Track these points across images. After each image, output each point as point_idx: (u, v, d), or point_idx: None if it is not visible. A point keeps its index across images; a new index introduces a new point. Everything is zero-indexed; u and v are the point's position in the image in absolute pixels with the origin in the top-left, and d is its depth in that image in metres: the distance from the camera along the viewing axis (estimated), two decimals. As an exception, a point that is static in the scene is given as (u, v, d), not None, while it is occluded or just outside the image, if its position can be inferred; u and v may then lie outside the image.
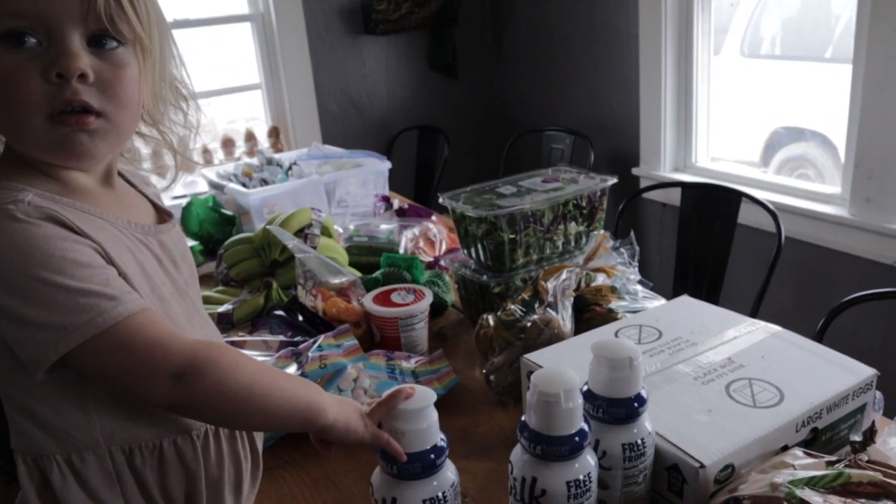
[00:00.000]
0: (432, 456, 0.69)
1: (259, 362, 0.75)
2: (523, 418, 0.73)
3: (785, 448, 0.85)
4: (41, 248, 0.64)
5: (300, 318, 1.38)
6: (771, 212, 2.01)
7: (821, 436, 0.89)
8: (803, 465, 0.78)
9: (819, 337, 1.44)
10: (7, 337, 0.66)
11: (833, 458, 0.80)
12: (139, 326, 0.67)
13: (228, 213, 1.98)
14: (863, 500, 0.73)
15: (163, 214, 0.86)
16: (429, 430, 0.69)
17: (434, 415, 0.70)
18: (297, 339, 1.28)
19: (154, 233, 0.81)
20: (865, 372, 0.93)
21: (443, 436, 0.71)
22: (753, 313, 1.91)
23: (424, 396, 0.69)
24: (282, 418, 0.74)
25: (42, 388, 0.71)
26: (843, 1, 2.55)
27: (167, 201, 2.57)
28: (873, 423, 0.91)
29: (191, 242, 2.00)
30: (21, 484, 0.74)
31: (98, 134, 0.71)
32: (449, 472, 0.72)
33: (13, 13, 0.65)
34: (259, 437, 0.88)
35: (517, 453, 0.75)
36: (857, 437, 0.89)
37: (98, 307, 0.65)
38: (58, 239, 0.66)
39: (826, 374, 0.93)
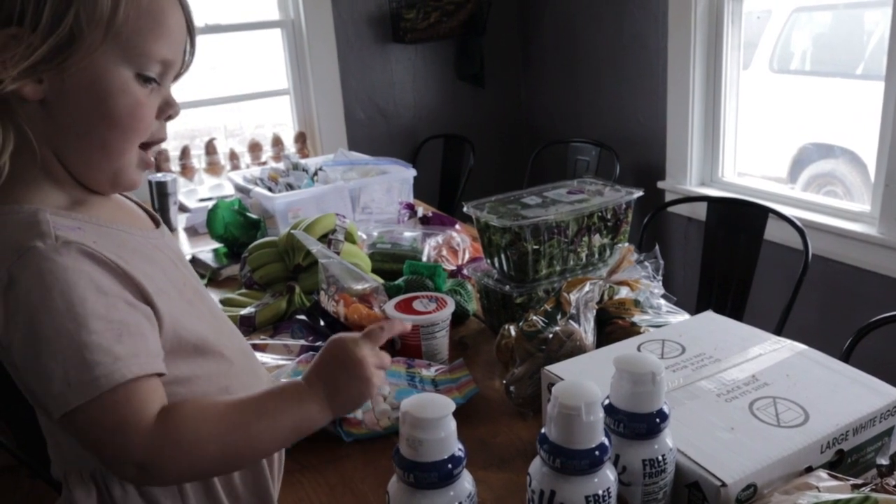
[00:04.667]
0: (449, 465, 0.68)
1: (224, 412, 0.72)
2: (543, 430, 0.73)
3: (809, 469, 0.83)
4: (65, 295, 0.65)
5: (322, 322, 1.38)
6: (798, 228, 1.99)
7: (846, 458, 0.88)
8: (828, 487, 0.77)
9: (846, 357, 1.42)
10: (27, 382, 0.69)
11: (859, 481, 0.79)
12: (119, 402, 0.66)
13: (253, 216, 2.00)
14: (888, 525, 0.71)
15: (154, 219, 0.87)
16: (446, 439, 0.68)
17: (452, 424, 0.69)
18: (318, 343, 1.28)
19: (159, 236, 0.82)
20: (894, 394, 0.92)
21: (460, 445, 0.71)
22: (779, 331, 1.88)
23: (443, 405, 0.69)
24: (275, 448, 0.78)
25: None
26: (876, 17, 2.52)
27: (193, 203, 2.61)
28: (901, 446, 0.89)
29: (215, 245, 2.02)
30: (74, 500, 0.76)
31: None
32: (466, 483, 0.72)
33: (162, 60, 0.73)
34: None
35: (536, 465, 0.74)
36: (883, 461, 0.87)
37: (103, 366, 0.65)
38: (81, 286, 0.66)
39: (853, 395, 0.91)
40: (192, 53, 0.78)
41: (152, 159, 0.78)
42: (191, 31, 0.76)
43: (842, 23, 2.73)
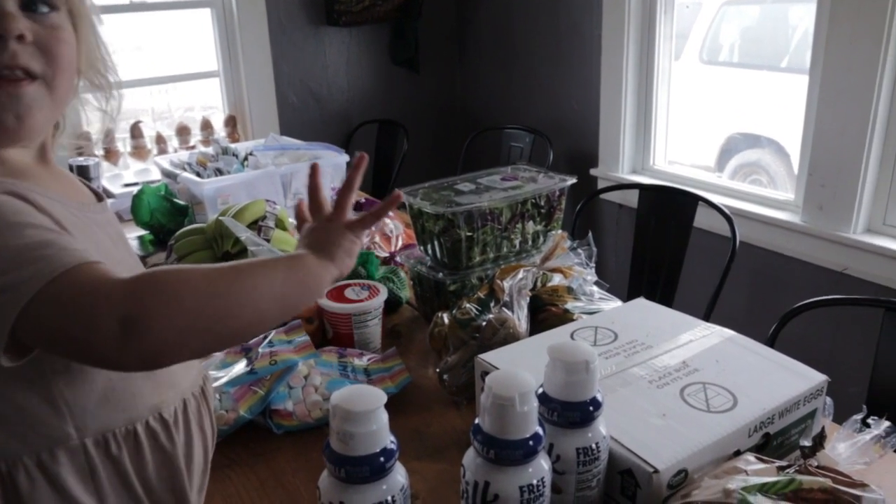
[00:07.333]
0: (381, 459, 0.67)
1: (208, 266, 0.65)
2: (477, 421, 0.72)
3: (737, 453, 0.85)
4: None
5: (251, 312, 1.34)
6: (727, 216, 2.03)
7: (772, 441, 0.90)
8: (755, 470, 0.78)
9: (771, 341, 1.45)
10: None
11: (784, 463, 0.80)
12: (73, 279, 0.59)
13: (181, 202, 1.93)
14: (813, 507, 0.73)
15: (96, 195, 0.83)
16: (378, 432, 0.67)
17: (384, 417, 0.67)
18: (247, 333, 1.25)
19: (100, 211, 0.78)
20: (817, 378, 0.94)
21: (393, 438, 0.69)
22: (707, 316, 1.92)
23: (374, 398, 0.67)
24: (274, 299, 0.68)
25: (7, 386, 0.67)
26: (800, 13, 2.59)
27: (117, 189, 2.51)
28: (823, 428, 0.92)
29: (141, 232, 1.95)
30: None
31: (35, 102, 0.69)
32: (399, 475, 0.70)
33: None
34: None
35: (470, 456, 0.73)
36: (807, 443, 0.89)
37: (46, 258, 0.59)
38: (11, 209, 0.62)
39: (779, 380, 0.93)
40: None
41: (18, 86, 0.69)
42: None
43: (768, 17, 2.80)
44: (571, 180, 1.44)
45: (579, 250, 1.33)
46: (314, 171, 0.92)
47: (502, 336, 1.12)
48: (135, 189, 1.99)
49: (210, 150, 2.24)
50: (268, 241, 1.49)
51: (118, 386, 0.72)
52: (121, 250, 0.78)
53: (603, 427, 0.79)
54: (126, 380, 0.73)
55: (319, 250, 0.79)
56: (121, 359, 0.60)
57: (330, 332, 1.29)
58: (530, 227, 1.42)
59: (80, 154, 2.67)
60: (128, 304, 0.58)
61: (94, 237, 0.73)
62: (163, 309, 0.59)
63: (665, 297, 2.12)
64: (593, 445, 0.77)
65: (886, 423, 0.89)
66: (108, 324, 0.57)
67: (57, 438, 0.69)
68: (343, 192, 0.89)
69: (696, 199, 2.14)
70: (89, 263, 0.60)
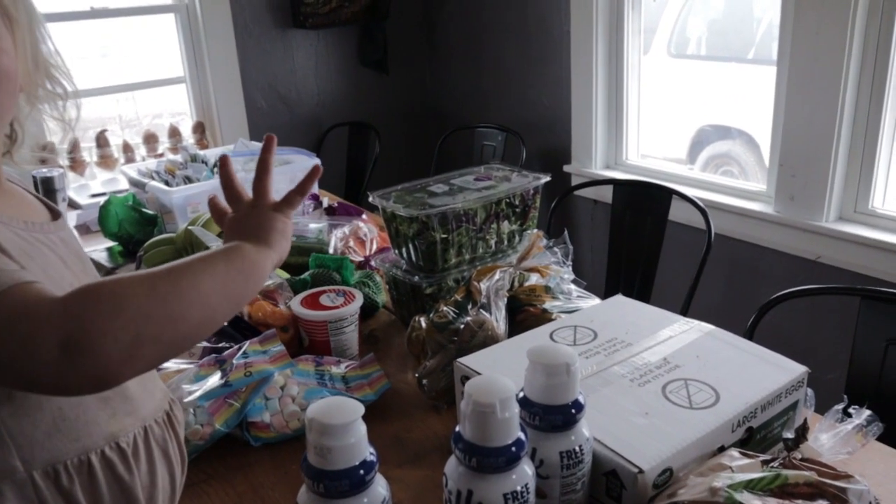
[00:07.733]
0: (361, 472, 0.65)
1: (146, 272, 0.62)
2: (458, 429, 0.70)
3: (721, 448, 0.84)
4: None
5: (225, 322, 1.32)
6: (701, 209, 2.04)
7: (755, 434, 0.89)
8: (740, 466, 0.78)
9: (750, 333, 1.46)
10: None
11: (768, 457, 0.80)
12: (6, 302, 0.56)
13: (150, 212, 1.90)
14: (799, 502, 0.73)
15: (53, 211, 0.79)
16: (357, 444, 0.65)
17: (362, 428, 0.65)
18: (221, 345, 1.22)
19: (54, 230, 0.74)
20: (797, 370, 0.94)
21: (372, 449, 0.68)
22: (684, 310, 1.92)
23: (351, 409, 0.65)
24: (218, 293, 0.65)
25: None
26: (765, 4, 2.61)
27: (84, 199, 2.46)
28: (805, 420, 0.91)
29: (109, 243, 1.91)
30: None
31: None
32: (380, 487, 0.69)
33: None
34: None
35: (452, 465, 0.72)
36: (789, 435, 0.89)
37: None
38: None
39: (760, 373, 0.93)
40: None
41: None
42: None
43: (733, 9, 2.82)
44: (545, 178, 1.43)
45: (555, 248, 1.32)
46: (224, 163, 0.88)
47: (481, 338, 1.11)
48: (102, 199, 1.95)
49: (178, 157, 2.21)
50: (239, 249, 1.47)
51: (70, 414, 0.68)
52: (75, 270, 0.74)
53: (586, 429, 0.78)
54: (78, 407, 0.69)
55: (254, 238, 0.77)
56: (68, 383, 0.56)
57: (306, 341, 1.27)
58: (505, 226, 1.41)
59: (45, 165, 2.62)
60: (66, 324, 0.54)
61: (41, 258, 0.69)
62: (103, 323, 0.55)
63: (642, 292, 2.12)
64: (577, 448, 0.76)
65: (867, 412, 0.89)
66: (48, 348, 0.54)
67: (2, 472, 0.65)
68: (260, 175, 0.87)
69: (671, 192, 2.14)
70: (24, 284, 0.57)
